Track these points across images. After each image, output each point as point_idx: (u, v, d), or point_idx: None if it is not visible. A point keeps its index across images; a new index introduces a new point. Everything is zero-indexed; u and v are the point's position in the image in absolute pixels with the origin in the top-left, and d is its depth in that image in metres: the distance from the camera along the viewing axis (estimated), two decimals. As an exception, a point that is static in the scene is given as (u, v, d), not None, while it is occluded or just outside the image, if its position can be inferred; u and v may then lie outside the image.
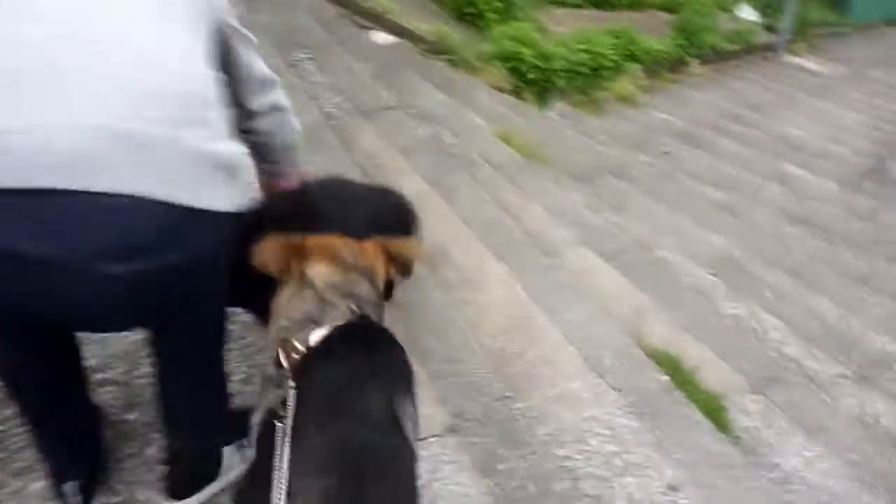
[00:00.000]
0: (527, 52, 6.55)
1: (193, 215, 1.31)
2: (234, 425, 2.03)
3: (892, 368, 3.79)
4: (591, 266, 3.72)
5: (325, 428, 1.24)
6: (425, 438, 2.24)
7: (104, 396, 2.23)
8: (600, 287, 3.56)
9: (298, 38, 5.10)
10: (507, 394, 2.55)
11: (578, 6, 9.91)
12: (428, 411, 2.29)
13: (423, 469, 2.14)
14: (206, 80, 1.41)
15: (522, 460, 2.32)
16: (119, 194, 1.22)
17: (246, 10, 1.74)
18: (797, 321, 3.96)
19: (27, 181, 1.19)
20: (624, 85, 7.79)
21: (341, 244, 1.61)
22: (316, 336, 1.44)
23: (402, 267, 1.78)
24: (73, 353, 1.78)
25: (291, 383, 1.31)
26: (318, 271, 1.54)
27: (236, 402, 2.07)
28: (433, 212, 3.49)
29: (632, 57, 8.18)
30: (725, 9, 11.69)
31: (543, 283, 3.31)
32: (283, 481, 1.12)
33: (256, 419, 1.50)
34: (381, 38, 6.08)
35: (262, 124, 1.84)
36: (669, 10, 10.49)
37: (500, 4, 7.56)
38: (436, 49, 6.19)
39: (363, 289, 1.57)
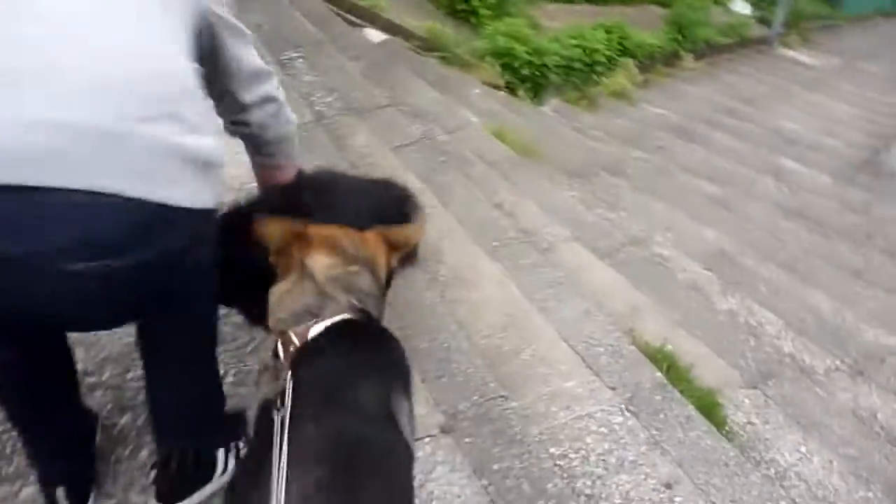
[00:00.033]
0: (520, 49, 6.53)
1: (162, 211, 1.28)
2: (227, 427, 2.02)
3: (886, 362, 3.79)
4: (585, 263, 3.71)
5: (319, 420, 1.24)
6: (420, 439, 2.24)
7: (96, 400, 2.22)
8: (595, 284, 3.55)
9: (290, 36, 5.07)
10: (501, 393, 2.54)
11: (571, 1, 9.89)
12: (422, 411, 2.29)
13: (418, 470, 2.14)
14: (180, 72, 1.37)
15: (517, 460, 2.31)
16: (82, 191, 1.19)
17: (237, 10, 1.71)
18: (792, 315, 3.97)
19: None
20: (618, 80, 7.78)
21: (342, 234, 1.62)
22: (315, 330, 1.43)
23: (405, 254, 1.79)
24: (61, 355, 1.77)
25: (288, 374, 1.30)
26: (320, 263, 1.54)
27: (230, 403, 2.06)
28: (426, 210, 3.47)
29: (625, 52, 8.19)
30: (719, 2, 11.72)
31: (538, 281, 3.30)
32: (283, 470, 1.11)
33: (253, 409, 1.48)
34: (374, 35, 6.05)
35: (255, 116, 1.81)
36: (662, 4, 10.52)
37: (493, 0, 7.53)
38: (429, 46, 6.16)
39: (364, 282, 1.57)
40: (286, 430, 1.17)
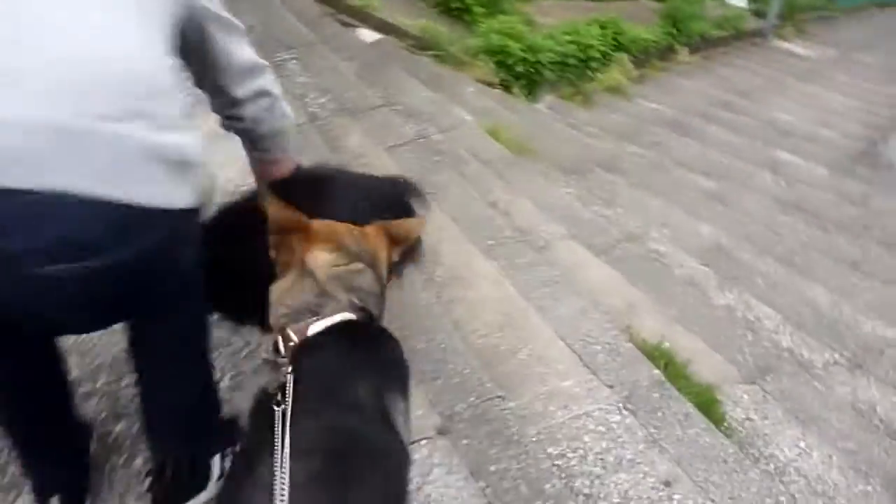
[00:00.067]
0: (514, 46, 6.51)
1: (134, 212, 1.26)
2: (223, 433, 2.01)
3: (884, 354, 3.78)
4: (581, 260, 3.71)
5: (313, 414, 1.23)
6: (416, 441, 2.23)
7: (91, 408, 2.22)
8: (591, 281, 3.55)
9: (282, 37, 5.06)
10: (498, 393, 2.53)
11: (565, -3, 9.88)
12: (418, 413, 2.29)
13: (414, 472, 2.14)
14: (152, 69, 1.34)
15: (514, 461, 2.30)
16: (51, 192, 1.17)
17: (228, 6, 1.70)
18: (789, 309, 3.96)
19: None
20: (613, 75, 7.77)
21: (344, 230, 1.60)
22: (314, 328, 1.43)
23: (407, 248, 1.77)
24: (52, 364, 1.76)
25: (289, 369, 1.29)
26: (320, 260, 1.52)
27: (225, 408, 2.05)
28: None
29: (620, 47, 8.16)
30: (713, -5, 11.68)
31: (534, 280, 3.29)
32: (285, 463, 1.10)
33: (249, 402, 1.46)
34: (367, 35, 6.04)
35: (249, 111, 1.78)
36: (657, -2, 10.49)
37: (486, -3, 7.52)
38: (422, 45, 6.15)
39: (365, 280, 1.56)
40: (287, 425, 1.16)
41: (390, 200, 2.21)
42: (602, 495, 2.36)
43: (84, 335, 2.39)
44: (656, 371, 2.92)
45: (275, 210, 1.56)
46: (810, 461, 2.90)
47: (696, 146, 6.56)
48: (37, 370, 1.70)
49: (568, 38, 7.37)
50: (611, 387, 2.77)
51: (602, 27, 7.99)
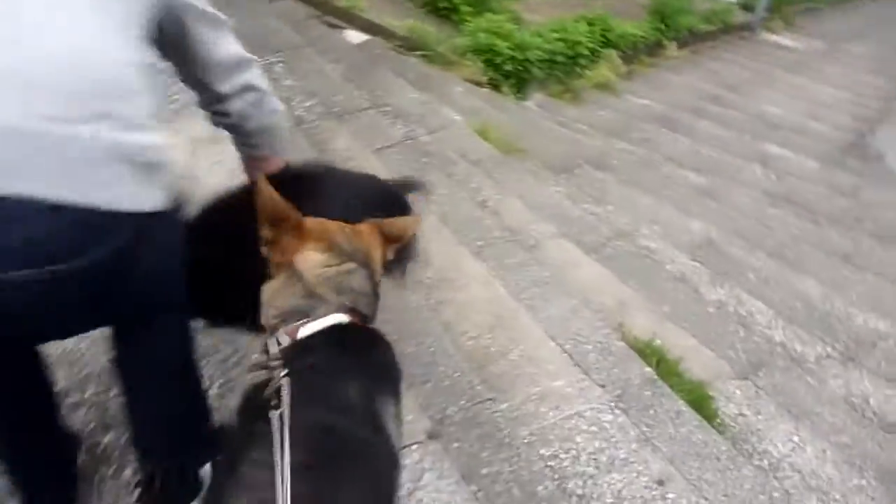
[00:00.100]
0: (502, 44, 6.48)
1: (96, 216, 1.23)
2: (212, 442, 1.99)
3: (877, 346, 3.78)
4: (572, 259, 3.70)
5: (300, 413, 1.20)
6: (407, 446, 2.22)
7: (79, 418, 2.20)
8: (582, 280, 3.54)
9: (268, 41, 5.03)
10: (488, 396, 2.52)
11: (553, -6, 9.86)
12: (408, 417, 2.26)
13: (406, 478, 2.13)
14: (117, 69, 1.29)
15: (506, 463, 2.29)
16: (15, 197, 1.15)
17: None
18: (781, 303, 3.96)
19: None
20: (601, 72, 7.75)
21: (336, 228, 1.57)
22: (305, 330, 1.41)
23: (401, 247, 1.74)
24: (33, 372, 1.74)
25: (283, 372, 1.27)
26: (311, 261, 1.50)
27: (215, 416, 2.03)
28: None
29: (608, 43, 8.13)
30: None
31: (524, 280, 3.29)
32: (285, 471, 1.08)
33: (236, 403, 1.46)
34: (354, 36, 6.01)
35: (234, 106, 1.72)
36: (645, -7, 10.47)
37: (473, -4, 7.50)
38: (410, 45, 6.12)
39: (357, 281, 1.53)
40: (286, 429, 1.14)
41: (384, 198, 2.17)
42: (595, 496, 2.36)
43: (72, 345, 2.38)
44: (648, 369, 2.92)
45: (266, 198, 1.51)
46: (804, 456, 2.90)
47: (686, 141, 6.56)
48: (19, 380, 1.67)
49: (556, 35, 7.34)
50: (602, 386, 2.77)
51: (590, 24, 7.97)
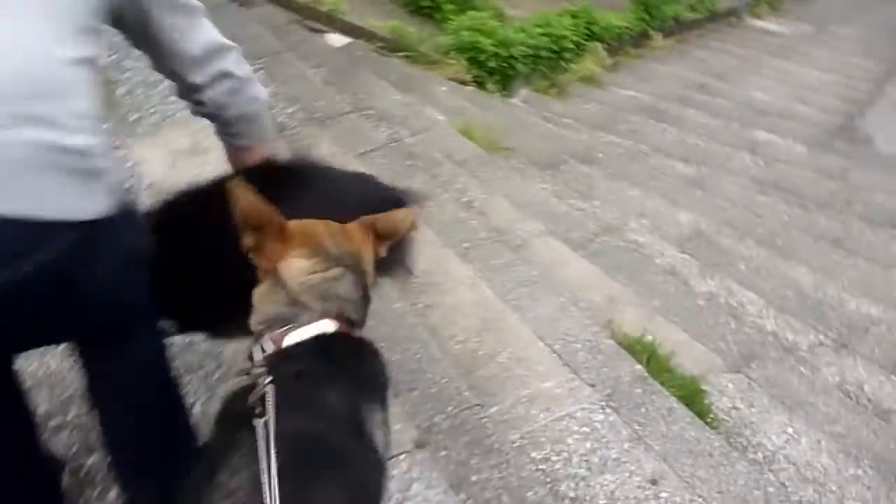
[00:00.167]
0: (485, 42, 6.46)
1: (26, 227, 1.17)
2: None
3: (869, 332, 3.76)
4: (559, 257, 3.67)
5: (283, 421, 1.16)
6: (394, 456, 2.19)
7: (62, 441, 2.18)
8: (570, 278, 3.51)
9: (248, 47, 4.91)
10: (476, 402, 2.49)
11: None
12: (395, 427, 2.23)
13: (393, 488, 2.10)
14: (49, 68, 1.21)
15: (496, 470, 2.27)
16: None
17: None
18: (772, 292, 3.94)
19: None
20: (587, 65, 7.73)
21: (323, 230, 1.50)
22: (290, 338, 1.37)
23: (395, 244, 1.66)
24: (8, 397, 1.70)
25: (268, 380, 1.23)
26: (295, 268, 1.43)
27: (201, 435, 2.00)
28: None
29: (593, 36, 8.10)
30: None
31: (511, 280, 3.26)
32: (273, 479, 1.05)
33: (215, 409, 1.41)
34: (336, 40, 5.98)
35: (209, 95, 1.64)
36: (628, -16, 10.43)
37: (455, -6, 7.46)
38: (392, 46, 6.09)
39: (344, 287, 1.46)
40: (272, 438, 1.11)
41: (376, 194, 2.05)
42: (588, 497, 2.33)
43: (54, 366, 2.36)
44: (638, 366, 2.89)
45: (244, 204, 1.42)
46: (799, 447, 2.88)
47: (674, 132, 6.53)
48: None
49: (540, 30, 7.32)
50: (592, 385, 2.75)
51: (574, 17, 7.94)
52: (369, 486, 1.28)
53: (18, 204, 1.16)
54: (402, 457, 2.22)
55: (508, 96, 6.64)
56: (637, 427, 2.61)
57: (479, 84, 6.45)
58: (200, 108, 1.69)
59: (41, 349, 2.31)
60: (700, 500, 2.39)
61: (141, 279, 1.51)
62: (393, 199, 1.99)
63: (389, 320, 2.78)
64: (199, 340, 2.53)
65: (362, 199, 1.90)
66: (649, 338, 3.16)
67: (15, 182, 1.16)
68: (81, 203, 1.26)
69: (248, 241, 1.46)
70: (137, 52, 1.59)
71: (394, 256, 1.71)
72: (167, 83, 1.71)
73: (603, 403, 2.66)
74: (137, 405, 1.69)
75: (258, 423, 1.14)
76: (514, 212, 3.94)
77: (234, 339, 2.36)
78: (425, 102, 5.19)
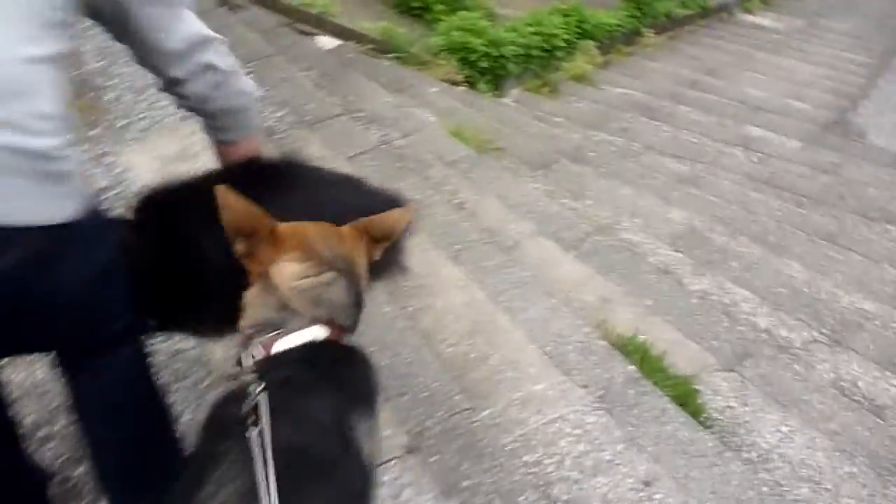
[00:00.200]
0: (476, 42, 6.44)
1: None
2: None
3: (863, 327, 3.75)
4: (551, 257, 3.65)
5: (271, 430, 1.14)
6: (385, 462, 2.18)
7: (50, 452, 2.17)
8: (562, 278, 3.50)
9: (237, 51, 4.91)
10: (467, 406, 2.48)
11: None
12: (385, 433, 2.22)
13: (384, 494, 2.09)
14: (9, 68, 1.17)
15: (487, 474, 2.25)
16: None
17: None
18: (766, 290, 3.92)
19: None
20: (578, 63, 7.70)
21: (315, 233, 1.47)
22: (279, 344, 1.35)
23: (389, 246, 1.61)
24: None
25: (260, 387, 1.20)
26: (286, 273, 1.41)
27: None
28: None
29: (584, 34, 8.09)
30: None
31: (503, 282, 3.24)
32: (272, 488, 1.03)
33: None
34: (326, 42, 5.97)
35: (190, 89, 1.59)
36: (619, -19, 10.42)
37: (445, -6, 7.44)
38: (383, 48, 6.07)
39: (336, 292, 1.44)
40: (269, 448, 1.08)
41: (369, 196, 2.00)
42: (581, 501, 2.32)
43: (40, 376, 2.34)
44: (631, 367, 2.88)
45: (231, 210, 1.40)
46: (793, 446, 2.86)
47: (666, 129, 6.52)
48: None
49: (531, 29, 7.29)
50: (585, 387, 2.73)
51: (565, 15, 7.92)
52: (357, 498, 1.27)
53: None
54: (392, 462, 2.21)
55: (500, 96, 6.63)
56: (630, 428, 2.60)
57: (471, 84, 6.44)
58: (184, 101, 1.65)
59: (28, 359, 2.31)
60: (694, 501, 2.38)
61: (116, 293, 1.48)
62: (383, 200, 1.92)
63: (379, 324, 2.77)
64: (187, 349, 2.53)
65: (351, 199, 1.87)
66: (642, 337, 3.15)
67: None
68: (45, 208, 1.23)
69: (239, 247, 1.44)
70: (125, 59, 1.56)
71: (387, 257, 1.68)
72: (155, 89, 1.68)
73: (595, 405, 2.65)
74: (120, 419, 1.67)
75: (252, 432, 1.12)
76: (506, 212, 3.92)
77: (215, 340, 2.35)
78: (416, 104, 5.17)
